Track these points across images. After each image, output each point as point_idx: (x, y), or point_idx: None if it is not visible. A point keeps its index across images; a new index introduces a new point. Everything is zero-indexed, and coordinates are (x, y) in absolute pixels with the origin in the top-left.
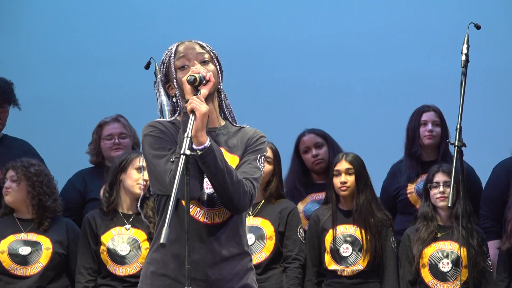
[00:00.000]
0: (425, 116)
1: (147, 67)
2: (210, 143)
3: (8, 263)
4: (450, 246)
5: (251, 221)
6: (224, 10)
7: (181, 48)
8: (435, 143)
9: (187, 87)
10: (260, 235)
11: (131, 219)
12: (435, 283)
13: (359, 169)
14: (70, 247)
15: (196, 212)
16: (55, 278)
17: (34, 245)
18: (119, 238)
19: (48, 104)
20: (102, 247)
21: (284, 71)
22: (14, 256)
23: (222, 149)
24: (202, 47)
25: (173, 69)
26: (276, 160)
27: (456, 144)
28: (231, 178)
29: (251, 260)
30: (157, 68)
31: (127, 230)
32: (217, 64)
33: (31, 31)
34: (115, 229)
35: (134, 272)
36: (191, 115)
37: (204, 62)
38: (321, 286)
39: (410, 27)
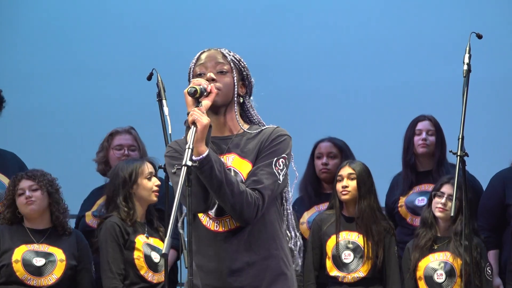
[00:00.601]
0: (420, 125)
1: (149, 78)
2: (208, 153)
3: (22, 273)
4: (444, 257)
5: None
6: (228, 20)
7: (203, 56)
8: (429, 152)
9: (188, 99)
10: None
11: (146, 228)
12: None
13: (361, 174)
14: (81, 258)
15: (207, 221)
16: None
17: (48, 256)
18: (148, 246)
19: (48, 115)
20: (137, 253)
21: (288, 80)
22: (28, 267)
23: (234, 155)
24: (224, 57)
25: (191, 75)
26: None
27: (459, 154)
28: (232, 190)
29: (284, 264)
30: (159, 79)
31: (148, 238)
32: (235, 75)
33: (28, 41)
34: (141, 236)
35: (162, 280)
36: (192, 126)
37: (221, 73)
38: None
39: (412, 37)
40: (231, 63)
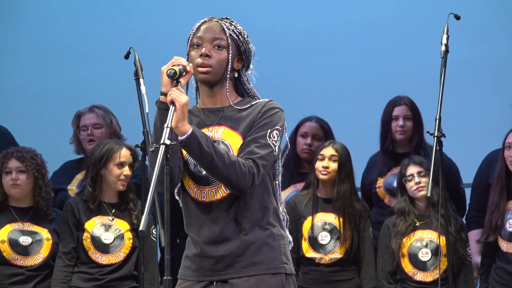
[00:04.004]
0: (396, 111)
1: (126, 56)
2: (192, 130)
3: (9, 253)
4: (429, 235)
5: None
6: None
7: (202, 27)
8: (407, 137)
9: (164, 78)
10: None
11: (113, 210)
12: (415, 272)
13: (343, 158)
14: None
15: (194, 192)
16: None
17: (34, 235)
18: (103, 227)
19: (27, 96)
20: (85, 234)
21: (268, 60)
22: (15, 246)
23: (224, 127)
24: (223, 31)
25: (189, 44)
26: None
27: (436, 135)
28: (223, 161)
29: (271, 235)
30: (137, 57)
31: (111, 221)
32: (231, 51)
33: (5, 22)
34: (98, 218)
35: (116, 261)
36: (171, 106)
37: (217, 47)
38: (298, 274)
39: (391, 18)
40: (229, 39)
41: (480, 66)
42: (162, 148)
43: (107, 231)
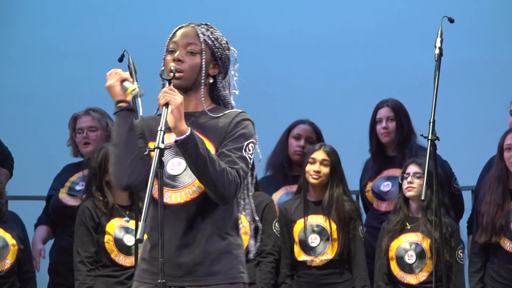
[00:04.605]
0: (379, 114)
1: (120, 60)
2: (191, 131)
3: None
4: (416, 238)
5: None
6: (200, 2)
7: (178, 32)
8: (391, 139)
9: (117, 90)
10: None
11: (127, 212)
12: (402, 275)
13: (335, 162)
14: (24, 239)
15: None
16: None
17: (0, 240)
18: (122, 229)
19: (22, 98)
20: (107, 237)
21: (257, 62)
22: None
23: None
24: (197, 36)
25: (165, 49)
26: None
27: (430, 138)
28: (214, 167)
29: (232, 244)
30: (131, 61)
31: (127, 222)
32: (204, 57)
33: (5, 24)
34: (116, 220)
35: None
36: (164, 108)
37: (191, 53)
38: (293, 278)
39: (385, 20)
40: (203, 44)
41: (476, 68)
42: (157, 152)
43: (127, 233)
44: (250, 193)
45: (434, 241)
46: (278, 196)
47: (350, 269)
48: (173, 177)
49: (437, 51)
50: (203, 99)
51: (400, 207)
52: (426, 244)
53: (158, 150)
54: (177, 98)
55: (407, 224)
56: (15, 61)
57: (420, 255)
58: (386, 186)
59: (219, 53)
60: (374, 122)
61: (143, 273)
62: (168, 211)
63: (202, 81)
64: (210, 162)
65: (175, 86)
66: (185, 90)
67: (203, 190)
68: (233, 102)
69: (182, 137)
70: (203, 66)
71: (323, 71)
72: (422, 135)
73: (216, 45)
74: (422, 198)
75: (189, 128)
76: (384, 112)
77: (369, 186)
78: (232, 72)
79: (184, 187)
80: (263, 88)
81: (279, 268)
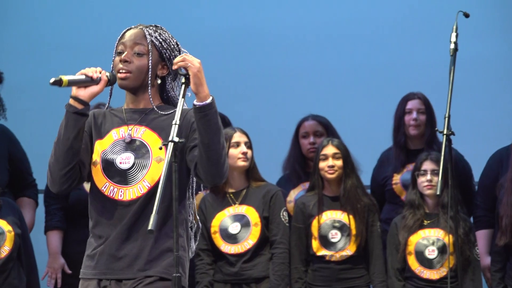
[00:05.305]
0: (410, 104)
1: None
2: (212, 98)
3: None
4: (436, 234)
5: (236, 209)
6: None
7: (126, 34)
8: (420, 132)
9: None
10: (245, 223)
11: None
12: (422, 270)
13: (345, 153)
14: (22, 224)
15: (110, 190)
16: (17, 258)
17: None
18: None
19: (24, 93)
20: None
21: (272, 57)
22: None
23: (145, 128)
24: (144, 38)
25: (114, 50)
26: (251, 143)
27: (445, 133)
28: (224, 141)
29: (176, 243)
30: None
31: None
32: (151, 58)
33: (3, 20)
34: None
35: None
36: (183, 86)
37: (137, 55)
38: (307, 272)
39: (400, 15)
40: (150, 45)
41: (491, 63)
42: (170, 145)
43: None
44: (194, 193)
45: (458, 237)
46: (296, 193)
47: (366, 264)
48: (124, 172)
49: (452, 46)
50: (151, 99)
51: (419, 203)
52: (447, 239)
53: (172, 143)
54: (195, 64)
55: (424, 220)
56: (18, 57)
57: (442, 250)
58: None
59: (167, 54)
60: (402, 113)
61: (87, 269)
62: (120, 207)
63: (149, 81)
64: (221, 135)
65: (122, 87)
66: (133, 90)
67: (152, 186)
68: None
69: (205, 102)
70: (150, 67)
71: (336, 66)
72: (437, 130)
73: (164, 46)
74: (438, 193)
75: (211, 96)
76: (415, 103)
77: (397, 178)
78: None
79: (136, 183)
80: (273, 83)
81: (290, 257)
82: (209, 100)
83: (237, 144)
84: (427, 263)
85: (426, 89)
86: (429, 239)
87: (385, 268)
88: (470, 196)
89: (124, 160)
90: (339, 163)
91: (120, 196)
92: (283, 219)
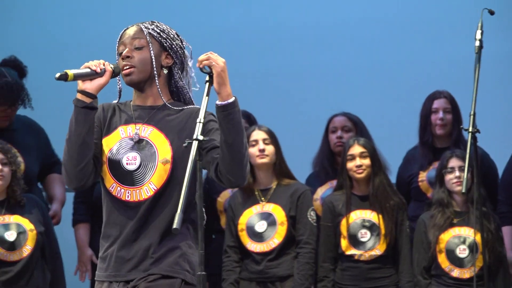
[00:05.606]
0: (436, 104)
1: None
2: (235, 97)
3: None
4: (467, 232)
5: (263, 207)
6: None
7: (123, 33)
8: (447, 131)
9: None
10: (271, 221)
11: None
12: (452, 268)
13: (372, 152)
14: (46, 222)
15: (117, 191)
16: (40, 257)
17: (17, 228)
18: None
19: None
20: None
21: (303, 54)
22: (3, 243)
23: (153, 128)
24: (141, 31)
25: (116, 53)
26: (274, 139)
27: (470, 130)
28: (246, 142)
29: (182, 241)
30: None
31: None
32: (152, 49)
33: (6, 18)
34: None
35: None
36: (207, 84)
37: (137, 49)
38: (336, 271)
39: (424, 13)
40: (148, 36)
41: None
42: (195, 144)
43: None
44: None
45: (490, 235)
46: (323, 190)
47: (394, 263)
48: (130, 173)
49: (477, 43)
50: (160, 91)
51: (448, 202)
52: (478, 238)
53: (197, 142)
54: (220, 63)
55: (454, 218)
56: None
57: (473, 249)
58: None
59: (168, 43)
60: (429, 112)
61: (100, 271)
62: (127, 208)
63: (155, 73)
64: (244, 135)
65: (129, 83)
66: (140, 86)
67: (159, 188)
68: (190, 94)
69: (228, 100)
70: (153, 57)
71: (361, 65)
72: (462, 128)
73: (163, 35)
74: (463, 190)
75: (234, 96)
76: (441, 103)
77: (423, 175)
78: (188, 69)
79: (142, 185)
80: (301, 82)
81: (316, 258)
82: (232, 99)
83: (255, 142)
84: (458, 262)
85: (451, 87)
86: (460, 237)
87: (412, 267)
88: (496, 194)
89: (131, 160)
90: (366, 162)
91: (127, 197)
92: (310, 219)
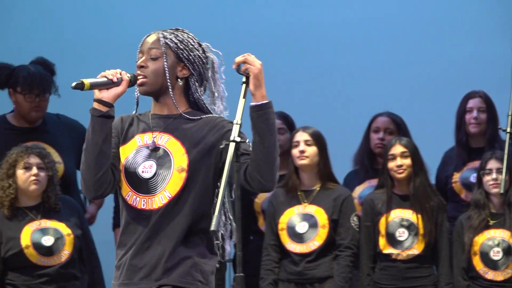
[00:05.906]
0: (471, 103)
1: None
2: (270, 100)
3: (35, 257)
4: (502, 234)
5: (305, 208)
6: None
7: (143, 41)
8: (481, 130)
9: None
10: (313, 223)
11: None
12: (486, 271)
13: (414, 152)
14: (83, 224)
15: (133, 199)
16: (78, 259)
17: (55, 233)
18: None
19: None
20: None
21: (343, 54)
22: (40, 249)
23: (170, 136)
24: (157, 41)
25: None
26: (317, 141)
27: (508, 131)
28: (278, 145)
29: (195, 251)
30: None
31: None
32: (166, 60)
33: (5, 19)
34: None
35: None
36: (243, 85)
37: (152, 59)
38: (374, 270)
39: (462, 13)
40: (163, 47)
41: None
42: (232, 145)
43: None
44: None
45: None
46: (361, 189)
47: (433, 263)
48: (146, 181)
49: None
50: (175, 102)
51: (484, 203)
52: None
53: (234, 143)
54: (257, 65)
55: (490, 220)
56: (16, 60)
57: (507, 251)
58: (475, 178)
59: (185, 54)
60: (463, 111)
61: (114, 280)
62: (142, 216)
63: (169, 84)
64: (277, 138)
65: (142, 93)
66: (154, 96)
67: (173, 196)
68: (208, 105)
69: (263, 101)
70: (166, 69)
71: (399, 65)
72: (500, 128)
73: (180, 47)
74: (501, 191)
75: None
76: (475, 102)
77: (456, 177)
78: (217, 75)
79: (158, 193)
80: (347, 79)
81: (356, 262)
82: (267, 100)
83: (297, 143)
84: (492, 264)
85: (489, 87)
86: (494, 240)
87: (451, 268)
88: None
89: (147, 169)
90: (407, 161)
91: (143, 206)
92: (353, 224)
